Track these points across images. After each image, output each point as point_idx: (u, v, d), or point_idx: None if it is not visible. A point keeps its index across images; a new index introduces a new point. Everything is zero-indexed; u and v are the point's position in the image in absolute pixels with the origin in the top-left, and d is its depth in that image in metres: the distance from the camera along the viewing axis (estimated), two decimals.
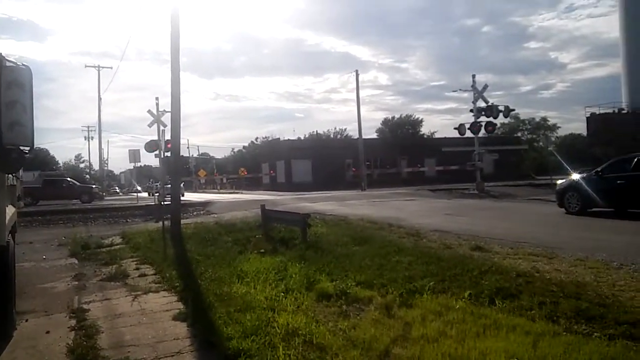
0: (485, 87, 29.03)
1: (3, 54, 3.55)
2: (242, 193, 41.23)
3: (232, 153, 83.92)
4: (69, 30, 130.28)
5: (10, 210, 4.78)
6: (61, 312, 5.92)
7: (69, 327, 5.29)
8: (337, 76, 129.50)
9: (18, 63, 3.54)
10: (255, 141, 77.81)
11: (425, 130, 69.10)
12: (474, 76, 29.15)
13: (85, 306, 6.11)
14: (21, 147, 3.46)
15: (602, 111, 49.34)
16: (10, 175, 4.45)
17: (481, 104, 28.47)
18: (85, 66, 49.89)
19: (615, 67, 64.09)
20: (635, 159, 13.53)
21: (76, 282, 7.66)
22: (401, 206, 19.18)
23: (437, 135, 66.13)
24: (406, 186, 35.67)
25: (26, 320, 5.59)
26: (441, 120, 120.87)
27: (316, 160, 49.62)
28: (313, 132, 73.32)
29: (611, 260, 7.37)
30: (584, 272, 6.69)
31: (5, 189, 4.29)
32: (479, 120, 28.04)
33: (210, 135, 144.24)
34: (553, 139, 67.64)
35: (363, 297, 5.74)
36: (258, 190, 46.26)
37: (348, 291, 5.94)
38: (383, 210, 17.03)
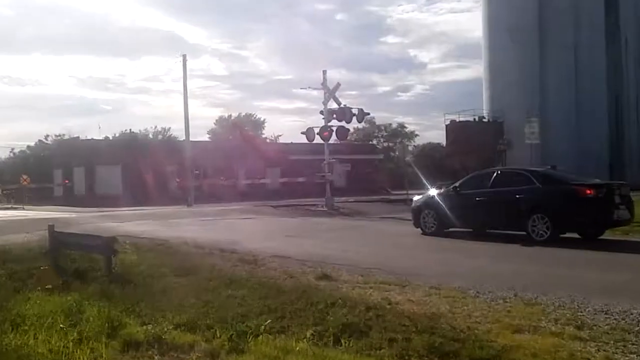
0: (338, 85, 30.30)
1: None
2: (23, 209, 38.16)
3: (11, 155, 77.11)
4: None
5: None
6: None
7: None
8: (159, 60, 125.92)
9: None
10: (45, 140, 72.46)
11: (268, 133, 70.92)
12: (324, 72, 30.36)
13: None
14: None
15: (462, 118, 54.92)
16: None
17: (333, 105, 29.60)
18: None
19: (477, 70, 71.98)
20: (494, 174, 15.23)
21: None
22: (237, 226, 19.29)
23: (282, 140, 68.10)
24: (244, 201, 35.93)
25: None
26: (288, 122, 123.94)
27: (129, 166, 47.69)
28: (126, 130, 70.79)
29: (467, 287, 8.16)
30: (438, 302, 7.32)
31: None
32: (329, 124, 29.17)
33: None
34: (411, 148, 73.36)
35: (182, 343, 5.65)
36: (48, 205, 43.10)
37: (163, 337, 5.80)
38: (214, 232, 16.98)
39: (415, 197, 17.77)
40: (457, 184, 15.83)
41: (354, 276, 9.22)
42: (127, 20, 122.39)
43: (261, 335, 5.84)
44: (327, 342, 5.66)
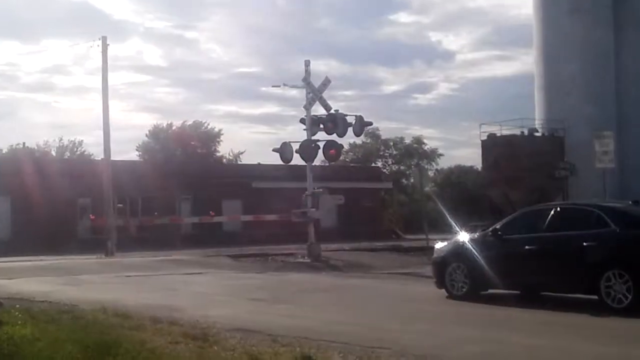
0: (327, 82, 30.09)
1: None
2: None
3: None
4: None
5: None
6: None
7: None
8: (67, 44, 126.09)
9: None
10: None
11: (225, 150, 70.93)
12: (307, 62, 30.29)
13: None
14: None
15: (505, 132, 54.77)
16: None
17: (320, 110, 29.54)
18: None
19: (527, 63, 72.22)
20: (552, 212, 15.19)
21: None
22: (178, 285, 19.12)
23: (245, 160, 68.07)
24: (191, 248, 35.81)
25: None
26: (253, 135, 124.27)
27: (20, 197, 47.39)
28: (17, 144, 70.63)
29: None
30: None
31: None
32: (314, 137, 29.02)
33: None
34: (432, 172, 73.65)
35: None
36: None
37: None
38: (144, 293, 16.81)
39: (438, 245, 17.70)
40: (498, 226, 15.81)
41: (349, 359, 9.16)
42: None
43: None
44: None
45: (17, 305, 13.10)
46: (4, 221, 47.10)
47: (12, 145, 71.35)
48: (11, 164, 56.61)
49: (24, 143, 71.37)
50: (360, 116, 29.52)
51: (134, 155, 71.05)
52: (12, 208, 47.73)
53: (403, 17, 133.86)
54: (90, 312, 13.09)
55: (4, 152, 68.79)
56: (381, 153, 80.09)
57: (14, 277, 20.46)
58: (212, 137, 72.53)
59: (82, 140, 75.78)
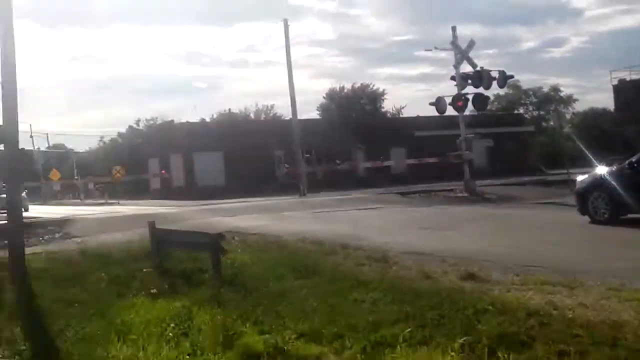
0: (472, 44, 29.51)
1: None
2: (119, 204, 40.41)
3: (101, 144, 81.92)
4: None
5: None
6: None
7: None
8: (256, 27, 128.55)
9: None
10: (136, 125, 76.31)
11: (389, 106, 70.59)
12: (454, 29, 29.70)
13: None
14: None
15: (634, 77, 51.68)
16: None
17: (467, 68, 28.96)
18: None
19: None
20: None
21: None
22: (359, 218, 19.34)
23: (406, 114, 67.49)
24: (365, 188, 36.08)
25: None
26: (412, 92, 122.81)
27: (231, 152, 49.11)
28: (224, 110, 73.13)
29: None
30: (619, 308, 6.95)
31: None
32: (464, 91, 28.49)
33: (66, 117, 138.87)
34: (569, 116, 70.48)
35: (308, 355, 5.75)
36: (144, 199, 45.43)
37: (285, 348, 5.93)
38: (333, 226, 17.11)
39: (580, 177, 17.13)
40: (634, 159, 15.09)
41: (507, 276, 8.99)
42: None
43: (399, 347, 5.82)
44: (480, 356, 5.55)
45: (236, 237, 13.66)
46: (219, 171, 49.14)
47: (220, 111, 74.03)
48: (221, 126, 58.97)
49: (229, 109, 73.86)
50: (503, 71, 28.68)
51: (315, 115, 71.91)
52: (224, 161, 49.69)
53: None
54: (292, 241, 13.47)
55: (214, 116, 71.38)
56: (522, 101, 77.54)
57: (231, 216, 21.31)
58: (378, 96, 72.22)
59: (273, 104, 77.36)
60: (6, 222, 12.41)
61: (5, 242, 11.99)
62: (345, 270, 9.72)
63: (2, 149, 13.98)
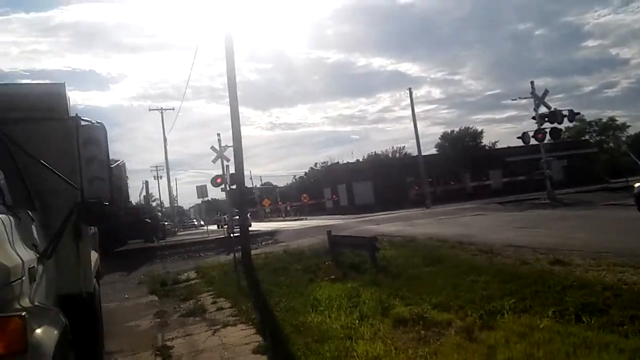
0: (546, 92, 27.99)
1: (78, 115, 3.79)
2: (306, 219, 41.56)
3: (294, 180, 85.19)
4: (129, 77, 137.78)
5: (94, 256, 5.03)
6: (147, 351, 6.12)
7: None
8: (388, 95, 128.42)
9: (92, 121, 3.78)
10: (314, 167, 78.84)
11: (486, 141, 67.65)
12: (532, 82, 28.23)
13: (168, 343, 6.29)
14: (101, 200, 3.65)
15: None
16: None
17: (543, 109, 27.54)
18: (150, 109, 52.63)
19: None
20: None
21: (158, 319, 7.92)
22: (470, 222, 18.66)
23: (499, 145, 64.46)
24: (472, 200, 34.75)
25: None
26: (502, 130, 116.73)
27: (377, 180, 49.41)
28: (371, 152, 73.48)
29: None
30: None
31: (89, 238, 4.53)
32: (542, 127, 26.99)
33: (271, 164, 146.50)
34: (624, 138, 64.04)
35: (441, 320, 5.58)
36: (321, 215, 46.47)
37: (425, 315, 5.80)
38: (451, 228, 16.62)
39: (637, 184, 15.56)
40: None
41: (585, 260, 8.26)
42: (360, 67, 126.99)
43: (506, 314, 5.53)
44: (568, 320, 5.14)
45: (384, 239, 13.61)
46: (370, 194, 49.40)
47: (369, 154, 74.33)
48: (369, 163, 59.30)
49: (374, 152, 74.01)
50: (571, 110, 26.92)
51: (433, 151, 70.32)
52: (373, 186, 49.89)
53: (590, 43, 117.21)
54: (424, 240, 13.24)
55: (365, 158, 71.79)
56: (587, 130, 71.40)
57: (379, 224, 21.32)
58: (477, 135, 69.20)
59: (404, 146, 76.65)
60: (239, 234, 13.17)
61: (239, 247, 12.72)
62: (463, 260, 9.39)
63: (234, 187, 14.90)
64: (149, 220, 27.59)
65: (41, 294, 3.28)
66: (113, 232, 18.72)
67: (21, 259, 2.87)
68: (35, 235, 3.53)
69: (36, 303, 3.01)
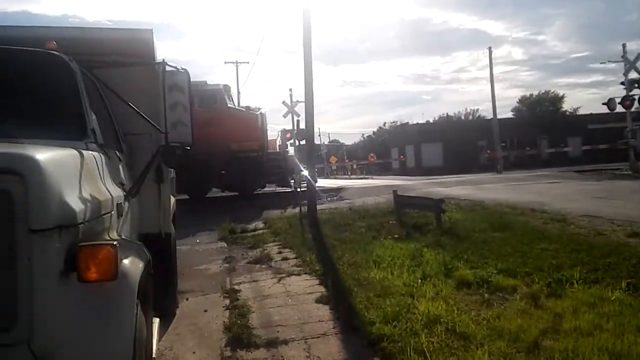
0: (639, 56, 25.98)
1: (165, 60, 3.96)
2: (372, 178, 41.41)
3: (362, 139, 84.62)
4: (205, 30, 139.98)
5: (172, 200, 5.33)
6: (216, 293, 6.48)
7: (223, 307, 5.78)
8: (466, 54, 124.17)
9: (177, 67, 3.93)
10: (383, 126, 77.75)
11: (567, 106, 64.07)
12: (624, 45, 26.37)
13: (236, 287, 6.63)
14: (183, 144, 3.84)
15: None
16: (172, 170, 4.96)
17: (633, 75, 25.66)
18: (225, 62, 53.44)
19: None
20: None
21: (227, 265, 8.33)
22: (543, 190, 17.92)
23: (581, 112, 60.96)
24: (547, 168, 33.28)
25: (187, 299, 6.21)
26: (586, 95, 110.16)
27: (447, 143, 48.29)
28: (443, 114, 71.46)
29: None
30: None
31: (169, 182, 4.80)
32: (631, 93, 25.18)
33: (339, 122, 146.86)
34: None
35: (506, 285, 5.52)
36: (388, 175, 46.17)
37: (489, 279, 5.75)
38: (523, 195, 16.05)
39: None
40: None
41: None
42: (438, 25, 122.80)
43: (576, 284, 5.38)
44: None
45: (451, 202, 13.38)
46: (439, 156, 48.55)
47: (440, 115, 72.35)
48: (440, 125, 58.15)
49: (446, 113, 71.91)
50: None
51: (510, 115, 67.34)
52: (443, 149, 48.94)
53: None
54: (492, 205, 12.92)
55: (436, 119, 70.01)
56: None
57: (447, 187, 20.96)
58: (558, 99, 65.25)
59: (478, 109, 73.56)
60: (306, 189, 13.42)
61: (305, 202, 12.98)
62: (533, 227, 9.11)
63: (304, 143, 15.08)
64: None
65: (126, 230, 3.56)
66: (254, 175, 19.57)
67: (110, 194, 3.11)
68: (122, 175, 3.79)
69: (123, 237, 3.28)
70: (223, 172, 19.36)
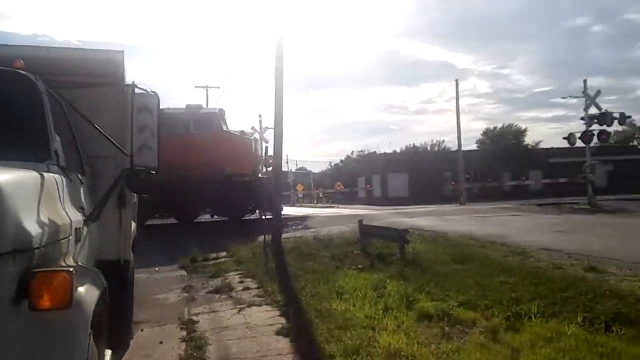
0: (598, 92, 27.15)
1: (135, 82, 3.97)
2: (338, 207, 41.60)
3: (329, 167, 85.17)
4: (175, 54, 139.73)
5: (133, 226, 5.25)
6: (173, 323, 6.35)
7: (180, 338, 5.67)
8: (433, 86, 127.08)
9: (147, 89, 3.95)
10: (351, 155, 78.53)
11: (529, 140, 66.05)
12: (585, 81, 27.38)
13: (194, 317, 6.51)
14: (149, 168, 3.82)
15: None
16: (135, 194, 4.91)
17: (593, 110, 26.72)
18: (195, 87, 53.13)
19: None
20: None
21: (186, 294, 8.18)
22: (505, 222, 18.37)
23: (542, 146, 63.01)
24: (509, 200, 34.09)
25: (142, 330, 6.06)
26: (547, 129, 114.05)
27: (413, 173, 49.09)
28: (410, 144, 72.71)
29: None
30: None
31: (132, 207, 4.74)
32: (590, 129, 26.20)
33: (308, 149, 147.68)
34: None
35: (466, 319, 5.61)
36: (354, 204, 46.38)
37: (450, 312, 5.83)
38: (485, 227, 16.41)
39: None
40: None
41: (621, 270, 8.09)
42: (406, 56, 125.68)
43: (534, 318, 5.52)
44: (597, 329, 5.11)
45: (415, 232, 13.54)
46: (404, 187, 49.16)
47: (406, 145, 73.60)
48: (406, 155, 59.08)
49: (413, 143, 73.13)
50: (623, 112, 25.83)
51: (474, 147, 69.12)
52: (409, 179, 49.62)
53: None
54: (455, 237, 13.13)
55: (402, 149, 71.15)
56: (636, 136, 68.98)
57: (411, 217, 21.17)
58: (521, 133, 67.40)
59: (444, 140, 76.10)
60: (271, 217, 13.38)
61: (270, 229, 12.93)
62: (494, 260, 9.30)
63: (271, 170, 15.12)
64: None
65: (84, 256, 3.49)
66: (246, 200, 19.27)
67: (69, 218, 3.06)
68: (83, 199, 3.74)
69: (80, 263, 3.21)
70: (215, 196, 18.99)
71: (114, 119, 4.16)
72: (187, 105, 19.46)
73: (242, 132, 21.13)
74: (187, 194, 17.05)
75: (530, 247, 10.82)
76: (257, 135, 20.72)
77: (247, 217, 20.41)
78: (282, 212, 20.27)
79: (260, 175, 20.61)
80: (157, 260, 11.61)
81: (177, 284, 9.20)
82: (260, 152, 21.03)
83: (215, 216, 21.08)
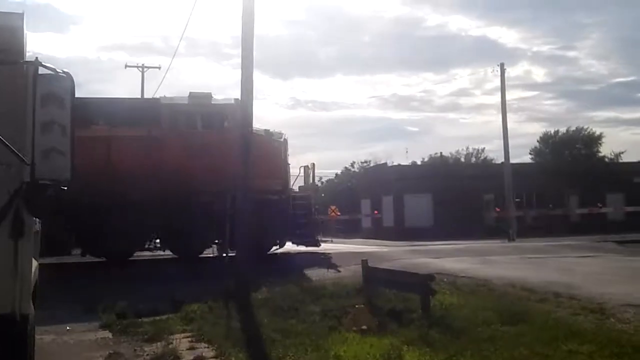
0: None
1: (39, 59, 3.92)
2: (332, 242, 41.59)
3: (320, 184, 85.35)
4: (98, 18, 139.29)
5: (34, 266, 5.16)
6: None
7: None
8: (468, 72, 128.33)
9: (57, 69, 3.90)
10: (351, 167, 78.70)
11: (606, 150, 67.00)
12: None
13: None
14: (58, 182, 3.76)
15: None
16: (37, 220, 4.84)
17: None
18: (126, 66, 52.84)
19: None
20: None
21: None
22: (572, 266, 18.38)
23: (625, 159, 63.65)
24: (578, 234, 34.35)
25: None
26: (631, 136, 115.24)
27: (440, 195, 49.10)
28: (435, 154, 73.26)
29: None
30: None
31: (31, 239, 4.62)
32: None
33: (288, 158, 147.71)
34: None
35: None
36: (356, 237, 46.50)
37: None
38: (544, 272, 16.40)
39: None
40: None
41: None
42: (431, 29, 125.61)
43: None
44: None
45: (444, 279, 13.56)
46: (427, 213, 49.14)
47: (431, 154, 74.22)
48: (431, 169, 59.14)
49: (440, 152, 73.83)
50: None
51: (527, 159, 69.77)
52: (433, 202, 49.63)
53: None
54: (501, 286, 13.15)
55: (425, 160, 71.70)
56: None
57: (438, 257, 21.18)
58: (594, 140, 68.73)
59: (484, 148, 76.21)
60: (235, 254, 13.35)
61: (233, 273, 12.88)
62: (557, 319, 9.30)
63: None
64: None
65: None
66: (275, 227, 19.46)
67: None
68: None
69: None
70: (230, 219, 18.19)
71: (7, 111, 4.11)
72: (190, 93, 19.34)
73: (267, 131, 21.07)
74: (193, 218, 17.58)
75: (609, 302, 10.83)
76: (286, 137, 21.02)
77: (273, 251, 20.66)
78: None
79: (293, 191, 20.74)
80: (69, 316, 11.50)
81: (98, 350, 9.10)
82: (288, 160, 21.47)
83: (161, 251, 20.96)
